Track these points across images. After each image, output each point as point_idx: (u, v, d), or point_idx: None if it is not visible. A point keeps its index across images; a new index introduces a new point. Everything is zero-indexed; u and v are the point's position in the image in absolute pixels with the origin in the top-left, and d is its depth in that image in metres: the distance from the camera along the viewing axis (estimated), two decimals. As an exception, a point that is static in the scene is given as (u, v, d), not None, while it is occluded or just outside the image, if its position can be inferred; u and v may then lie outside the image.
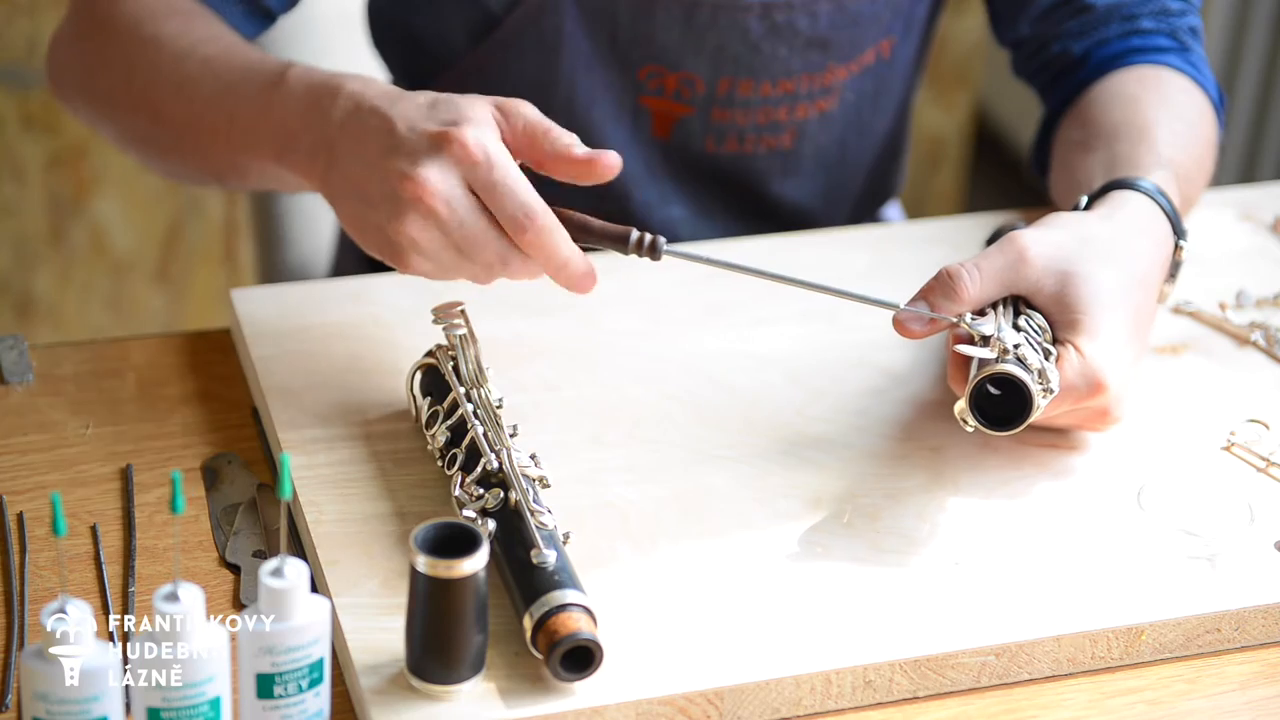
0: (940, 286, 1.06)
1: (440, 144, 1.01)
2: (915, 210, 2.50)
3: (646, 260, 1.05)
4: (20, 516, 1.05)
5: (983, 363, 1.03)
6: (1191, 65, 1.31)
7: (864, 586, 1.00)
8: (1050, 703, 0.97)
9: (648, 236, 1.05)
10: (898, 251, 1.32)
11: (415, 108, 1.04)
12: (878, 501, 1.06)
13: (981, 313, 1.07)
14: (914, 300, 1.07)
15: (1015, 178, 2.90)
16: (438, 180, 1.01)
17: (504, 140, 1.04)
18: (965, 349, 1.03)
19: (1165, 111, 1.25)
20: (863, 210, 1.52)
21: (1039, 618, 0.99)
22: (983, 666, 0.97)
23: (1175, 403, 1.16)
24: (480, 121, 1.02)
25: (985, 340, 1.04)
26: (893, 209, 1.59)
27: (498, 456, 1.00)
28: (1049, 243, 1.09)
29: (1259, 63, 2.56)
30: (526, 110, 1.05)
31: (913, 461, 1.10)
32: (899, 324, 1.06)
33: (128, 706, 0.86)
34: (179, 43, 1.19)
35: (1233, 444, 1.13)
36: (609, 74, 1.34)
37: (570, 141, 1.05)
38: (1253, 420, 1.14)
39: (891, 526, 1.05)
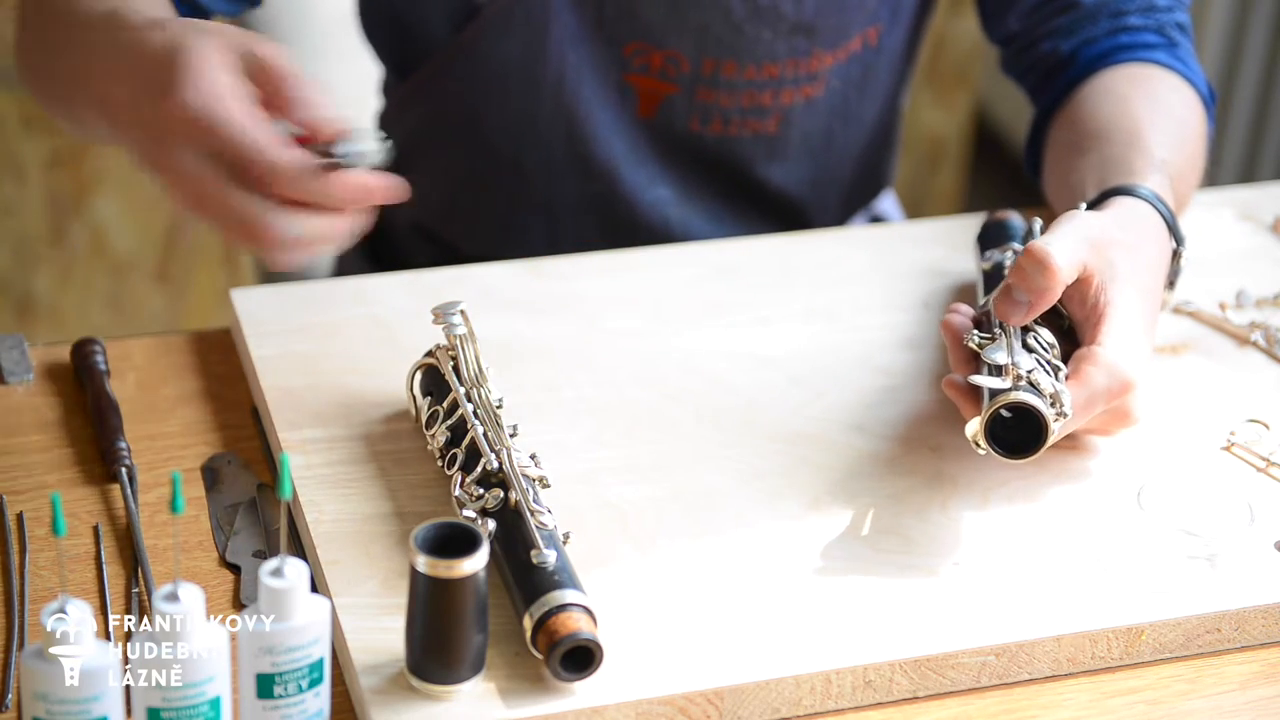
0: (1031, 265, 1.05)
1: (166, 125, 0.98)
2: (915, 210, 2.50)
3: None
4: (20, 516, 1.05)
5: (995, 391, 1.02)
6: (1180, 61, 1.31)
7: (864, 586, 1.00)
8: (1050, 703, 0.97)
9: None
10: (898, 251, 1.32)
11: (142, 72, 1.00)
12: (878, 501, 1.06)
13: (990, 335, 1.06)
14: (1005, 287, 1.07)
15: (1015, 178, 2.89)
16: (182, 165, 0.98)
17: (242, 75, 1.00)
18: (978, 380, 1.03)
19: (1155, 110, 1.25)
20: (854, 201, 1.52)
21: (1039, 618, 0.99)
22: (983, 666, 0.97)
23: (1175, 403, 1.16)
24: (195, 78, 0.98)
25: (998, 369, 1.03)
26: (889, 204, 1.59)
27: (498, 456, 1.00)
28: (1110, 225, 1.10)
29: (1259, 63, 2.56)
30: (264, 51, 1.01)
31: (913, 462, 1.10)
32: (1000, 306, 1.06)
33: (128, 706, 0.86)
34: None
35: (1233, 444, 1.13)
36: (595, 50, 1.35)
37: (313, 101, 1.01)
38: (1253, 420, 1.14)
39: (891, 527, 1.04)
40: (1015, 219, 1.26)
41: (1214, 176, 1.31)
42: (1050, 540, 1.04)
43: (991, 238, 1.24)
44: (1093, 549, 1.04)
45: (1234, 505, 1.08)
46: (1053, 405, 1.02)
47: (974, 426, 1.02)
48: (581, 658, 0.92)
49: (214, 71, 0.98)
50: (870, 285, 1.27)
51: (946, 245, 1.32)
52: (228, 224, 0.99)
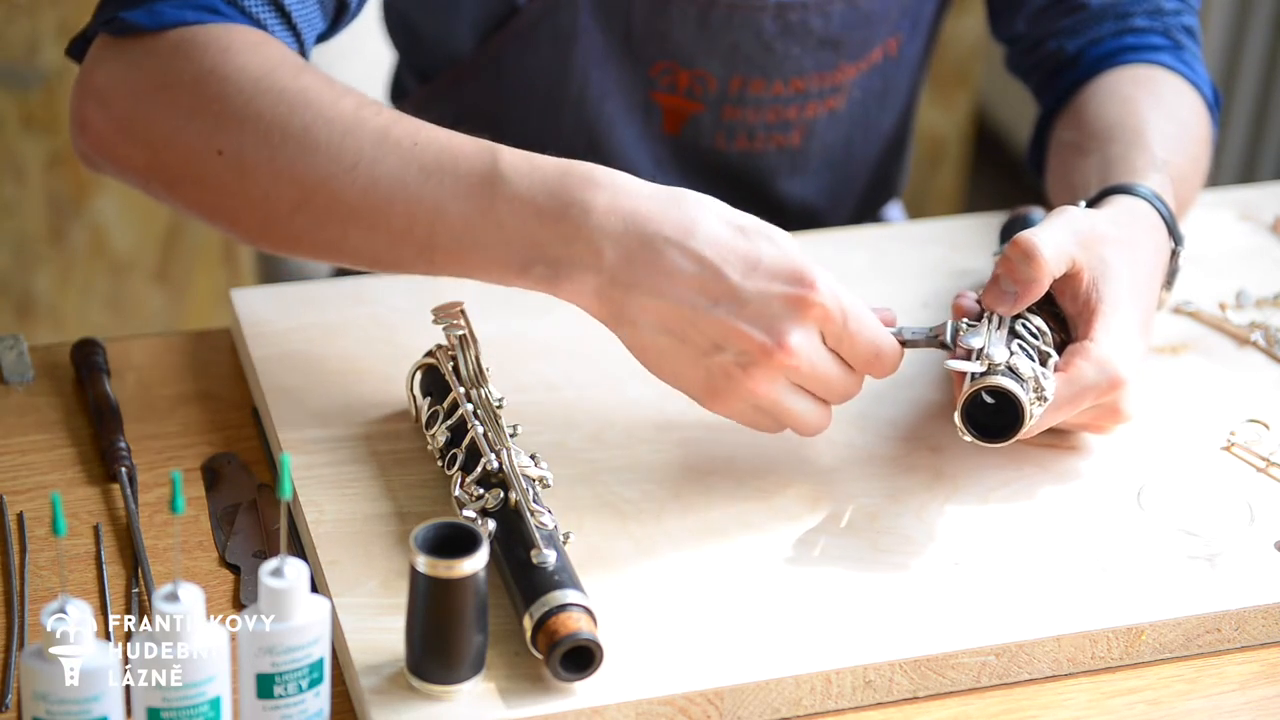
0: (1017, 255, 1.06)
1: (800, 307, 0.99)
2: (915, 210, 2.50)
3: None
4: (20, 516, 1.05)
5: (974, 375, 1.03)
6: (1185, 64, 1.31)
7: (864, 586, 1.00)
8: (1050, 703, 0.97)
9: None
10: (897, 251, 1.32)
11: (734, 252, 0.99)
12: (878, 501, 1.06)
13: (976, 321, 1.07)
14: (993, 277, 1.08)
15: (1015, 178, 2.90)
16: (803, 344, 1.00)
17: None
18: (955, 364, 1.03)
19: (1158, 112, 1.25)
20: (865, 209, 1.52)
21: (1039, 618, 0.99)
22: (983, 666, 0.97)
23: (1175, 403, 1.16)
24: (819, 273, 1.00)
25: (978, 354, 1.04)
26: (894, 209, 1.59)
27: (498, 456, 1.00)
28: (1103, 222, 1.10)
29: (1259, 63, 2.56)
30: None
31: (913, 461, 1.10)
32: (988, 296, 1.08)
33: (128, 706, 0.86)
34: (339, 105, 1.04)
35: (1233, 444, 1.13)
36: (622, 69, 1.34)
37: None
38: (1253, 420, 1.14)
39: (891, 526, 1.05)
40: (1038, 214, 1.26)
41: (1214, 176, 1.31)
42: (1050, 540, 1.04)
43: (1013, 233, 1.25)
44: (1093, 549, 1.04)
45: (1234, 505, 1.08)
46: (1035, 390, 1.02)
47: (956, 416, 1.03)
48: (581, 658, 0.92)
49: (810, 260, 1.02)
50: (870, 285, 1.27)
51: (946, 245, 1.32)
52: (787, 411, 1.03)
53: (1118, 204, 1.14)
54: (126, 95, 1.09)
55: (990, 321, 1.06)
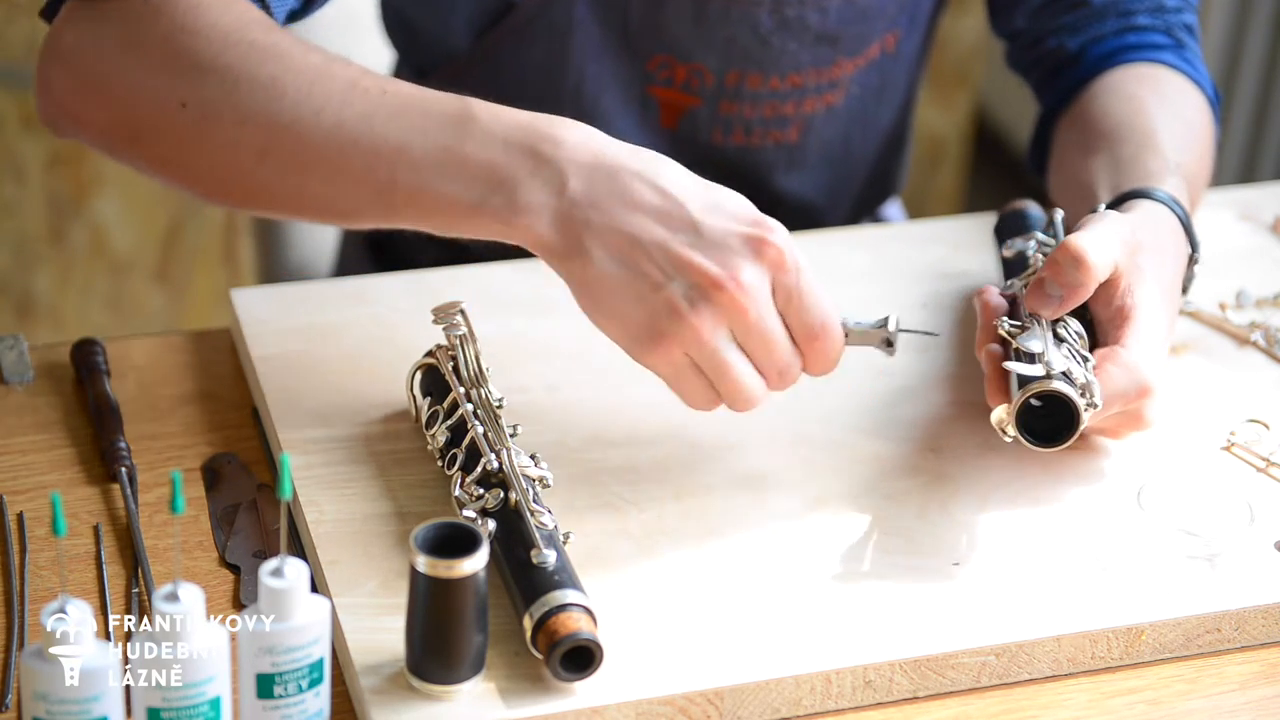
0: (1067, 260, 1.06)
1: (756, 247, 0.99)
2: (915, 210, 2.50)
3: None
4: (20, 516, 1.05)
5: (1027, 379, 1.02)
6: (1187, 63, 1.31)
7: (864, 586, 1.00)
8: (1050, 703, 0.97)
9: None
10: (898, 251, 1.32)
11: (699, 193, 1.01)
12: (877, 501, 1.06)
13: (1022, 325, 1.07)
14: (1038, 280, 1.07)
15: (1015, 178, 2.90)
16: (754, 284, 0.99)
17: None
18: (1012, 365, 1.03)
19: (1165, 112, 1.25)
20: (864, 206, 1.52)
21: (1039, 618, 0.99)
22: (983, 666, 0.97)
23: (1175, 403, 1.16)
24: (779, 225, 1.01)
25: (1031, 357, 1.03)
26: (893, 208, 1.59)
27: (498, 456, 1.00)
28: (1138, 227, 1.09)
29: (1259, 63, 2.56)
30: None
31: (913, 462, 1.10)
32: (1032, 299, 1.07)
33: (128, 706, 0.86)
34: (309, 58, 1.04)
35: (1233, 444, 1.13)
36: (619, 63, 1.35)
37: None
38: (1253, 420, 1.14)
39: (891, 526, 1.04)
40: (1034, 208, 1.26)
41: (1214, 176, 1.31)
42: (1050, 540, 1.04)
43: (1010, 227, 1.25)
44: (1093, 549, 1.04)
45: (1234, 505, 1.08)
46: (1083, 395, 1.02)
47: (1000, 414, 1.03)
48: (581, 658, 0.92)
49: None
50: (870, 285, 1.27)
51: (946, 245, 1.32)
52: (722, 364, 1.00)
53: (1140, 209, 1.14)
54: (93, 55, 1.08)
55: (1039, 324, 1.06)
